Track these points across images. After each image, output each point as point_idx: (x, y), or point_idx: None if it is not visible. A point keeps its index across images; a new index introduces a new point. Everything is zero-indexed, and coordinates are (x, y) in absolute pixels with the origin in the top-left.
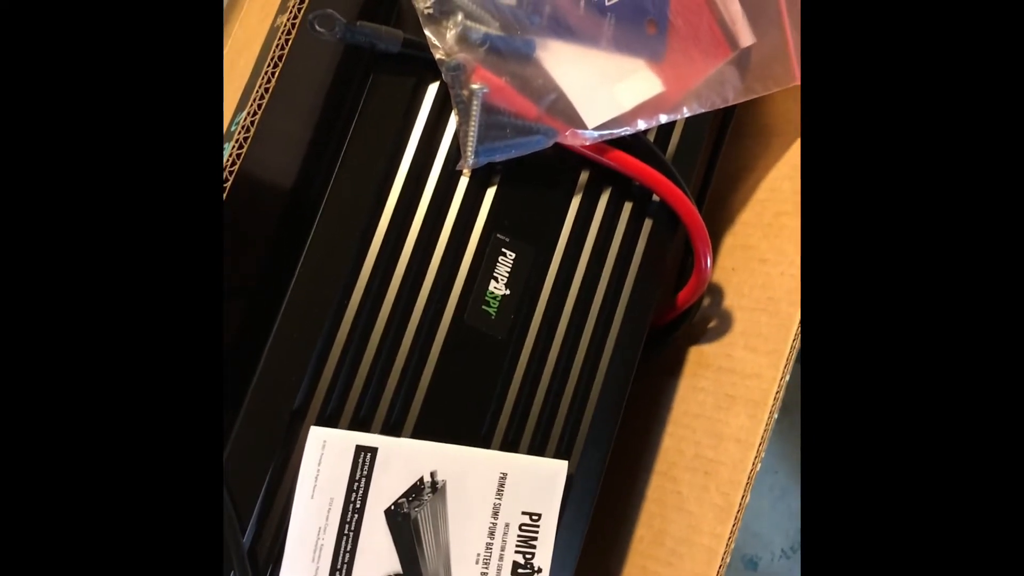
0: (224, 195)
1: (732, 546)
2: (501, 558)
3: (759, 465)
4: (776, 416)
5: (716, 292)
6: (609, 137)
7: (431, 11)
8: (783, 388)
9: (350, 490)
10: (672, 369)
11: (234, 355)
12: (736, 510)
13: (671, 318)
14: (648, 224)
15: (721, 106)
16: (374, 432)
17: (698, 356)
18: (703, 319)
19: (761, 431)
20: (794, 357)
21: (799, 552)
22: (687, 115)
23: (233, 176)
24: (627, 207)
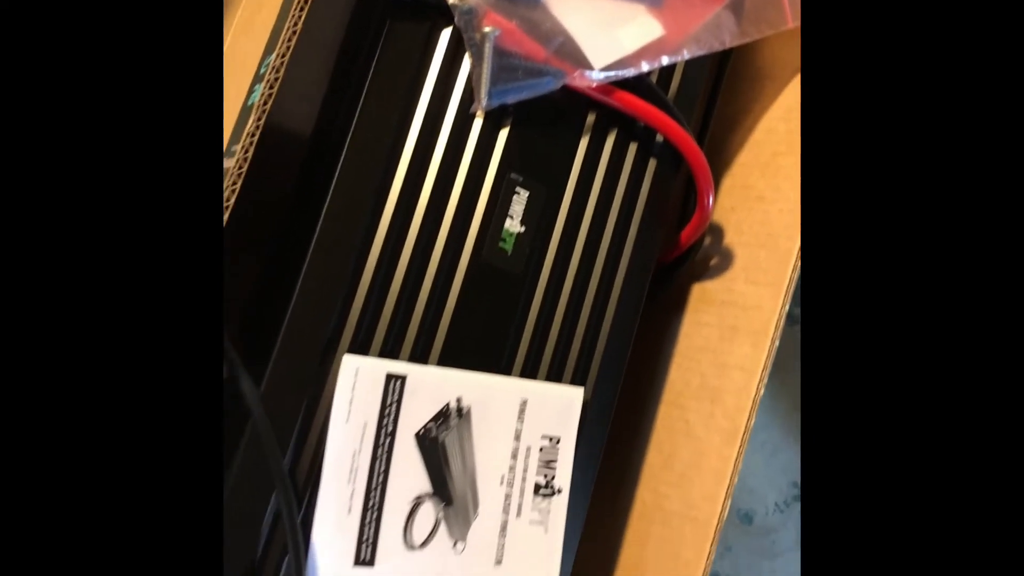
0: (257, 134)
1: (739, 467)
2: (524, 479)
3: (762, 390)
4: (778, 344)
5: (716, 231)
6: (615, 79)
7: None
8: (783, 317)
9: (382, 415)
10: (677, 306)
11: (267, 291)
12: (742, 432)
13: (675, 256)
14: (653, 163)
15: (719, 49)
16: (403, 360)
17: (701, 293)
18: (704, 257)
19: (763, 358)
20: (793, 288)
21: (791, 506)
22: (687, 57)
23: (265, 115)
24: (632, 147)
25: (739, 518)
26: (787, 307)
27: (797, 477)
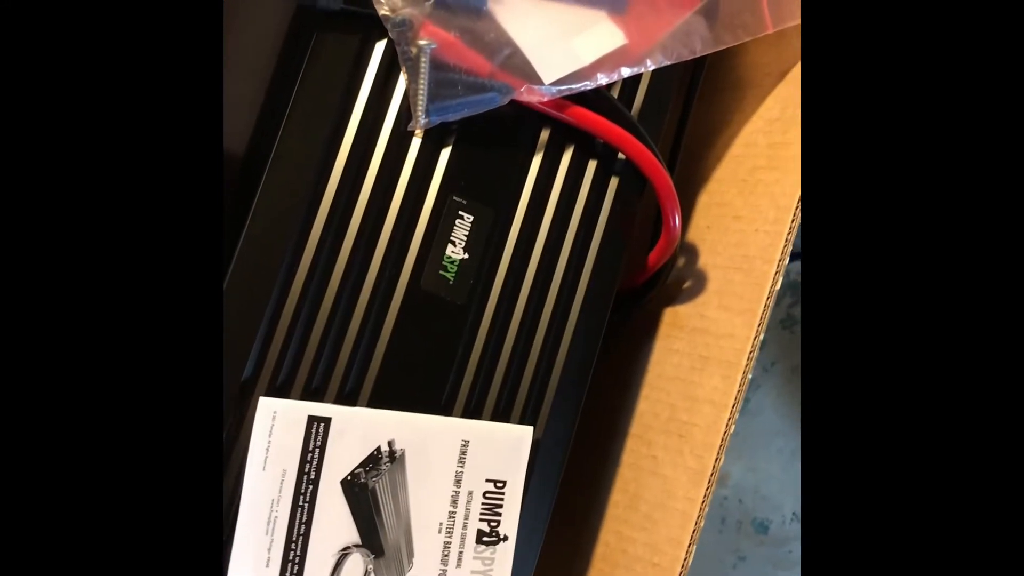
0: None
1: (706, 510)
2: (465, 526)
3: (732, 427)
4: (750, 377)
5: (690, 251)
6: (568, 93)
7: None
8: (756, 348)
9: (304, 461)
10: (647, 331)
11: None
12: (710, 473)
13: (644, 279)
14: (614, 183)
15: (688, 58)
16: (327, 402)
17: (672, 317)
18: (677, 279)
19: (735, 392)
20: (768, 316)
21: None
22: (651, 68)
23: None
24: (591, 165)
25: (754, 527)
26: (761, 337)
27: None
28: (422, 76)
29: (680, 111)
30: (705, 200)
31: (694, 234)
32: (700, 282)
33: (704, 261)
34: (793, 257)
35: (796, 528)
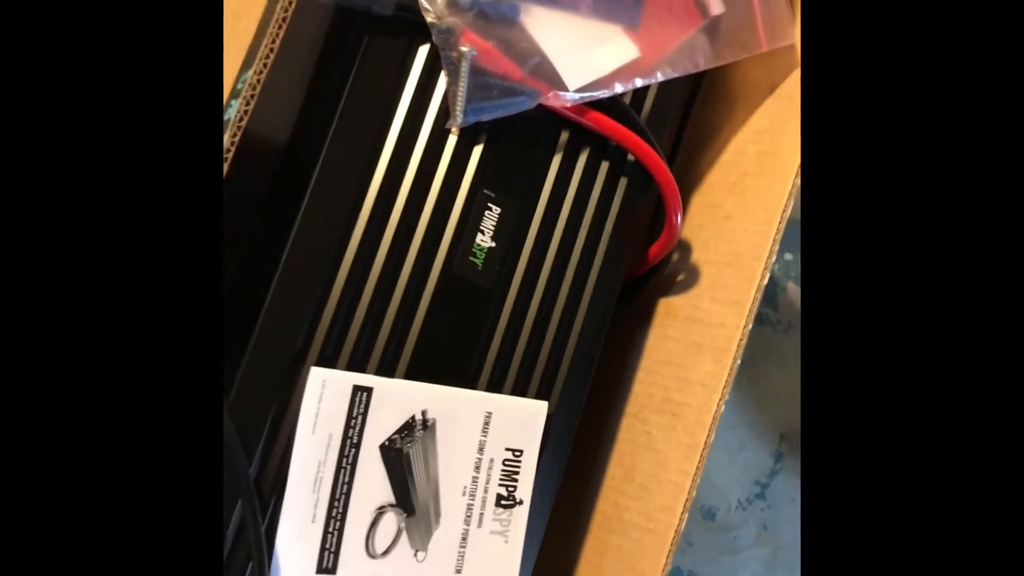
0: (233, 149)
1: (698, 481)
2: (486, 490)
3: (723, 407)
4: (739, 362)
5: (684, 248)
6: (588, 99)
7: None
8: (746, 336)
9: (348, 426)
10: (643, 320)
11: (235, 303)
12: (701, 448)
13: (643, 271)
14: (623, 182)
15: (692, 72)
16: (369, 373)
17: (667, 307)
18: (672, 273)
19: (725, 375)
20: (756, 307)
21: (754, 503)
22: (660, 80)
23: (241, 131)
24: (604, 166)
25: (702, 514)
26: (750, 326)
27: (760, 475)
28: (462, 79)
29: (679, 119)
30: (699, 201)
31: (688, 232)
32: (693, 276)
33: (697, 257)
34: None
35: (741, 515)
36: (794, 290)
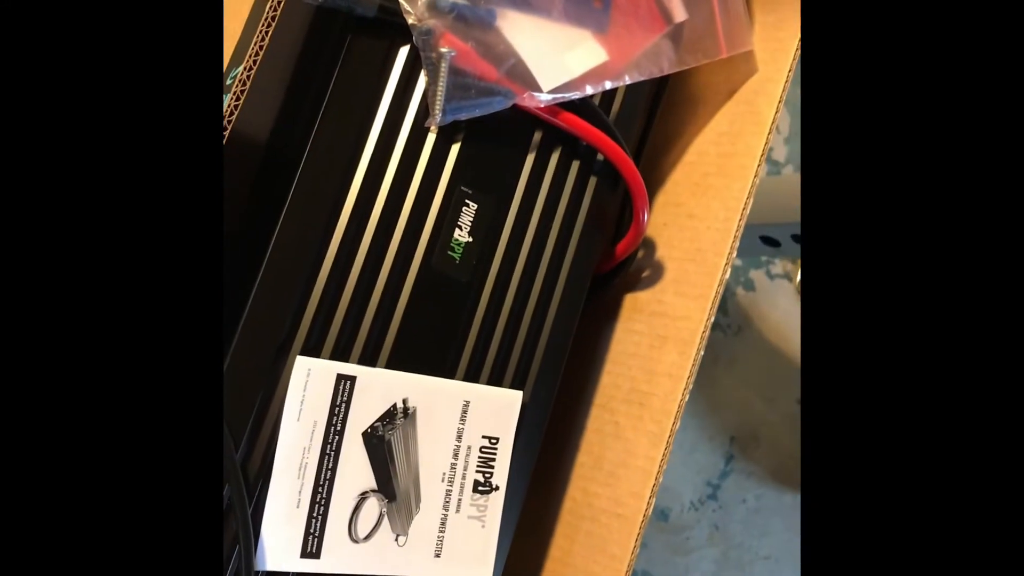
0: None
1: (664, 467)
2: (464, 476)
3: (687, 396)
4: (702, 354)
5: (649, 245)
6: (561, 100)
7: None
8: (708, 328)
9: (332, 414)
10: (610, 314)
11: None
12: (668, 435)
13: (610, 267)
14: (593, 180)
15: (658, 75)
16: (352, 363)
17: (633, 302)
18: (637, 269)
19: (689, 366)
20: (718, 301)
21: (706, 504)
22: (628, 82)
23: (231, 126)
24: (575, 165)
25: (655, 515)
26: (713, 318)
27: (712, 476)
28: (442, 79)
29: (644, 121)
30: (662, 200)
31: (652, 230)
32: (658, 272)
33: (661, 253)
34: None
35: (693, 516)
36: (743, 295)
